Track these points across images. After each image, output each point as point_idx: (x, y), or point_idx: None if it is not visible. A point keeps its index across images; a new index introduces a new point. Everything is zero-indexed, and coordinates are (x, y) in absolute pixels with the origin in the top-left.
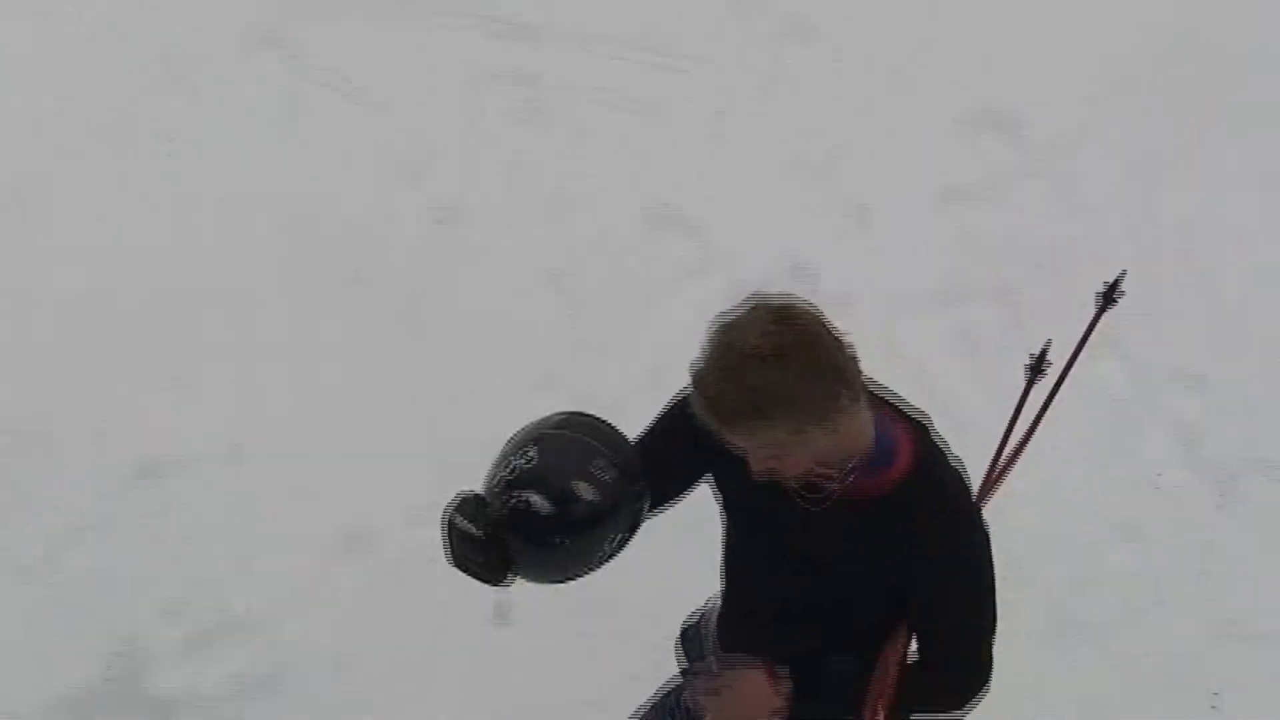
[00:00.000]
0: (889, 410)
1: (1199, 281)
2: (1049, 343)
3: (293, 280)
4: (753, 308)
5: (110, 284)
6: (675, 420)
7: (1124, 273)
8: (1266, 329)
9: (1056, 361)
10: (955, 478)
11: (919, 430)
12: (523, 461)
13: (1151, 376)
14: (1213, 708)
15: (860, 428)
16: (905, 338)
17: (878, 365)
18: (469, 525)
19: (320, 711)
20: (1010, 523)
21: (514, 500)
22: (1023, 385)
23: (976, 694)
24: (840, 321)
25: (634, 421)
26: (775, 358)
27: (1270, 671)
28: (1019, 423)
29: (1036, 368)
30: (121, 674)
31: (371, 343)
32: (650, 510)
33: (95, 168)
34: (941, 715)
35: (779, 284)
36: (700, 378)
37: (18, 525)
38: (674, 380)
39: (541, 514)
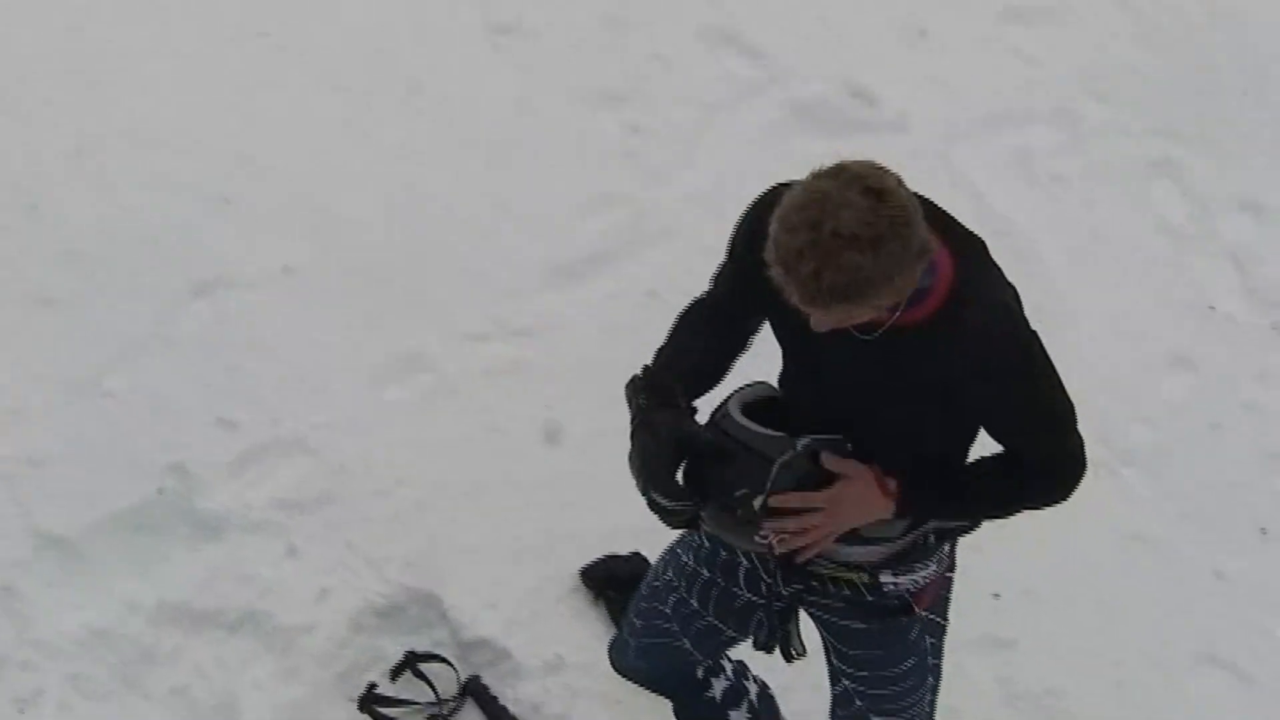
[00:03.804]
0: (938, 235)
1: (1259, 106)
2: None
3: (347, 91)
4: (845, 181)
5: (166, 105)
6: (734, 276)
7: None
8: None
9: None
10: (996, 292)
11: (962, 252)
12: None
13: (1209, 205)
14: (1262, 531)
15: (919, 277)
16: (962, 160)
17: (935, 187)
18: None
19: (370, 532)
20: (1062, 349)
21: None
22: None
23: (1077, 480)
24: (898, 143)
25: (687, 243)
26: (871, 245)
27: None
28: None
29: None
30: (173, 492)
31: (425, 156)
32: (730, 361)
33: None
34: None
35: (837, 105)
36: (789, 253)
37: (71, 345)
38: (731, 202)
39: None
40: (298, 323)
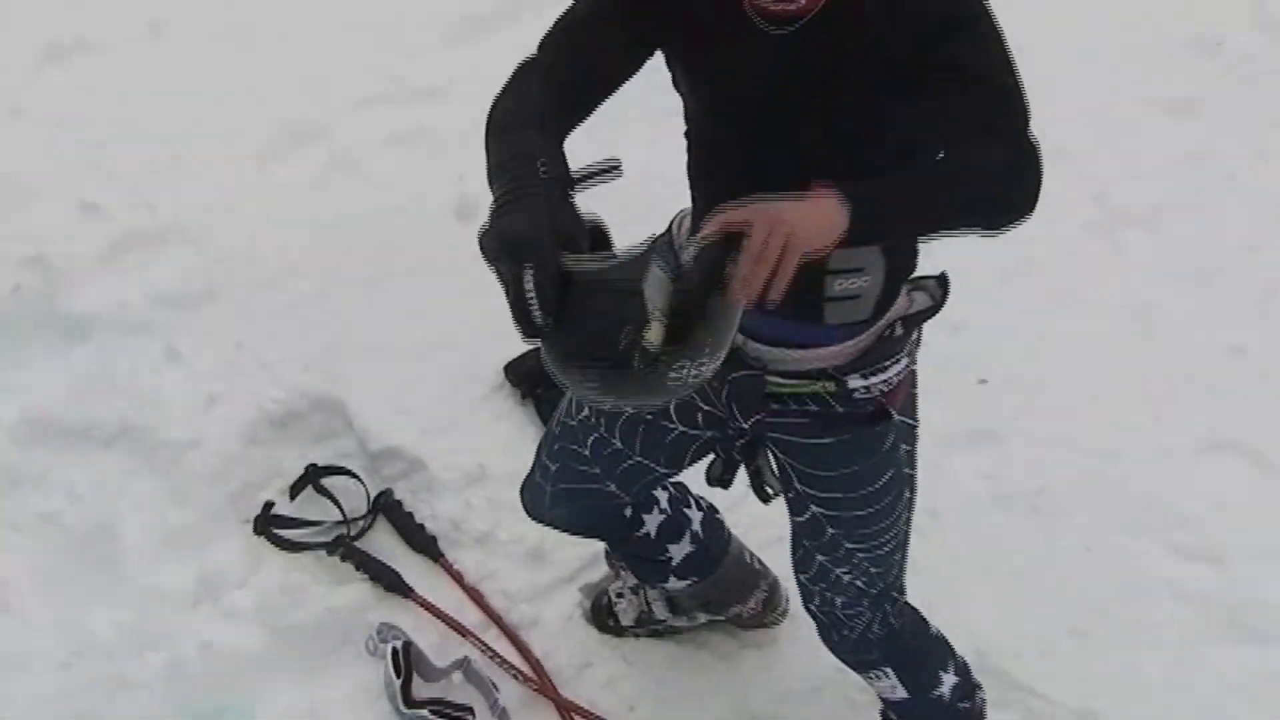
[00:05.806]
0: None
1: None
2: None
3: None
4: None
5: None
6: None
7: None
8: None
9: None
10: None
11: None
12: None
13: None
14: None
15: None
16: None
17: None
18: None
19: (261, 329)
20: (1046, 98)
21: None
22: None
23: (1034, 173)
24: None
25: None
26: None
27: None
28: None
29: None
30: (32, 289)
31: None
32: (599, 99)
33: None
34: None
35: None
36: None
37: None
38: None
39: None
40: (169, 91)
